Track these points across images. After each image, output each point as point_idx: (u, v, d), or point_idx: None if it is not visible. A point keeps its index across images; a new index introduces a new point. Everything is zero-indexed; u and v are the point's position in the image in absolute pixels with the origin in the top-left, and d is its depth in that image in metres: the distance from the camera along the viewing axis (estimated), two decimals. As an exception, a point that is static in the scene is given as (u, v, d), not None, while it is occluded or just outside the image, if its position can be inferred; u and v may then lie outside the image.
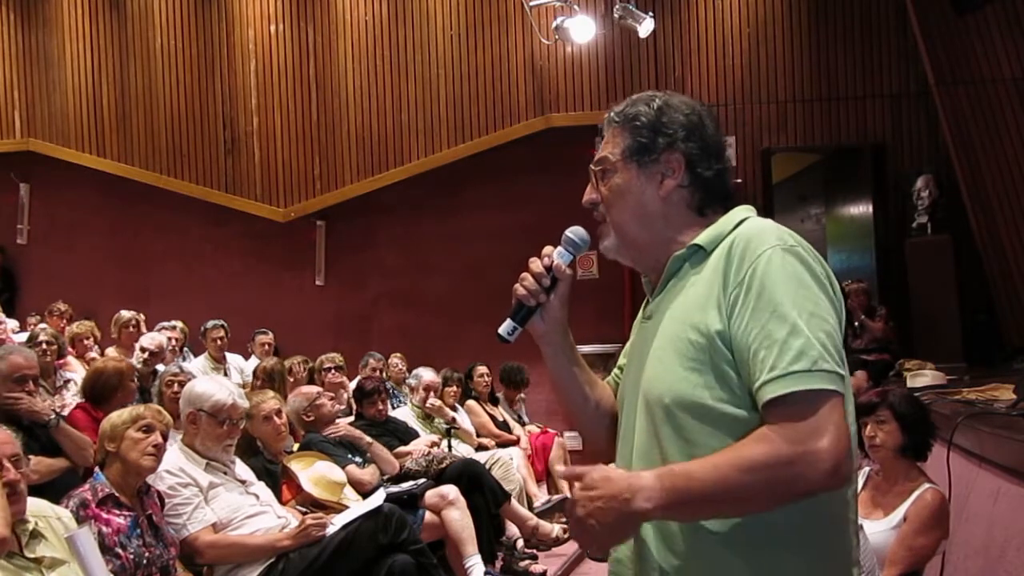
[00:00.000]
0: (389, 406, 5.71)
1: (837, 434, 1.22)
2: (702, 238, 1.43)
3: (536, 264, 1.54)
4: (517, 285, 1.54)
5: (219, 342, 6.90)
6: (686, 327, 1.37)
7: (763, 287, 1.29)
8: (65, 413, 4.28)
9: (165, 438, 3.17)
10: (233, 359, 7.14)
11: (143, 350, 5.48)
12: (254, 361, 7.26)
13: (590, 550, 1.39)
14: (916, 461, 3.05)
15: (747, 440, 1.26)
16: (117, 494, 2.98)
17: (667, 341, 1.40)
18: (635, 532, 1.33)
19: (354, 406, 5.65)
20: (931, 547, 2.92)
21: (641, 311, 1.58)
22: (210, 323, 6.95)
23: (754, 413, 1.30)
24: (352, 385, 6.17)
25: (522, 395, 7.51)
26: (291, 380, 5.91)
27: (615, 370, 1.68)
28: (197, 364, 6.69)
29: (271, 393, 4.27)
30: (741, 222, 1.43)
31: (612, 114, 1.55)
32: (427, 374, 6.13)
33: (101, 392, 4.19)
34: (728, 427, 1.32)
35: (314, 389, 4.89)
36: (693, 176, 1.47)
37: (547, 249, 1.57)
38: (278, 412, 4.05)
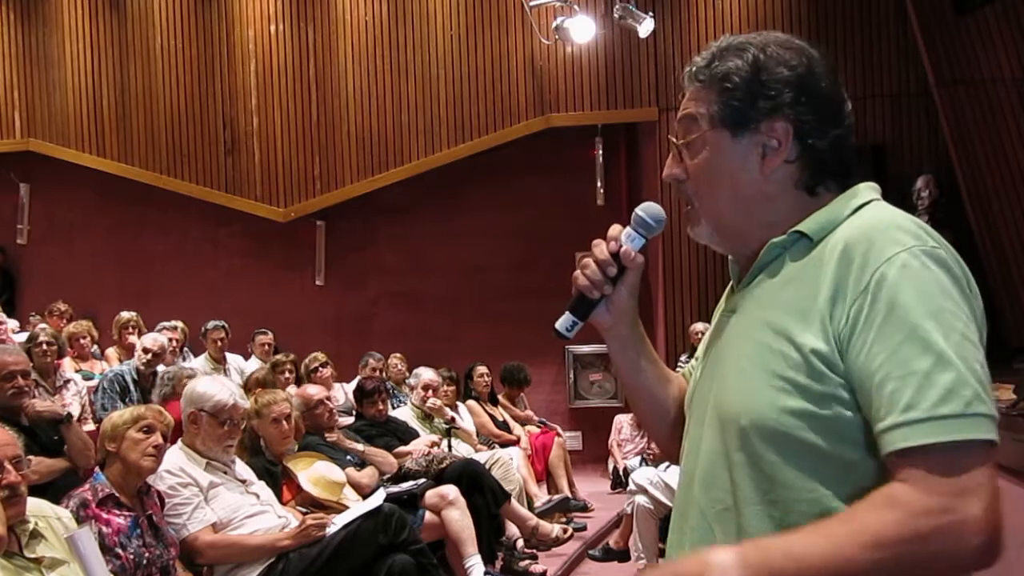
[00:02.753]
0: (389, 406, 5.71)
1: (992, 499, 0.95)
2: (808, 224, 1.15)
3: (601, 249, 1.27)
4: (577, 273, 1.29)
5: (219, 343, 6.92)
6: (779, 337, 1.10)
7: (895, 300, 1.01)
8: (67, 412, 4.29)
9: (166, 439, 3.17)
10: (233, 359, 7.15)
11: (145, 351, 5.48)
12: (254, 361, 7.28)
13: None
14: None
15: (870, 504, 0.98)
16: (117, 494, 2.98)
17: (752, 349, 1.13)
18: None
19: (353, 405, 5.67)
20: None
21: (724, 299, 1.32)
22: (211, 324, 6.97)
23: (864, 456, 1.05)
24: (352, 385, 6.19)
25: (523, 397, 7.53)
26: (282, 378, 5.94)
27: (692, 361, 1.41)
28: (197, 364, 6.69)
29: (283, 395, 4.26)
30: (861, 207, 1.14)
31: (694, 69, 1.22)
32: (426, 373, 6.14)
33: None
34: (821, 469, 1.06)
35: (315, 395, 4.84)
36: (803, 148, 1.17)
37: (614, 231, 1.29)
38: (287, 416, 4.06)
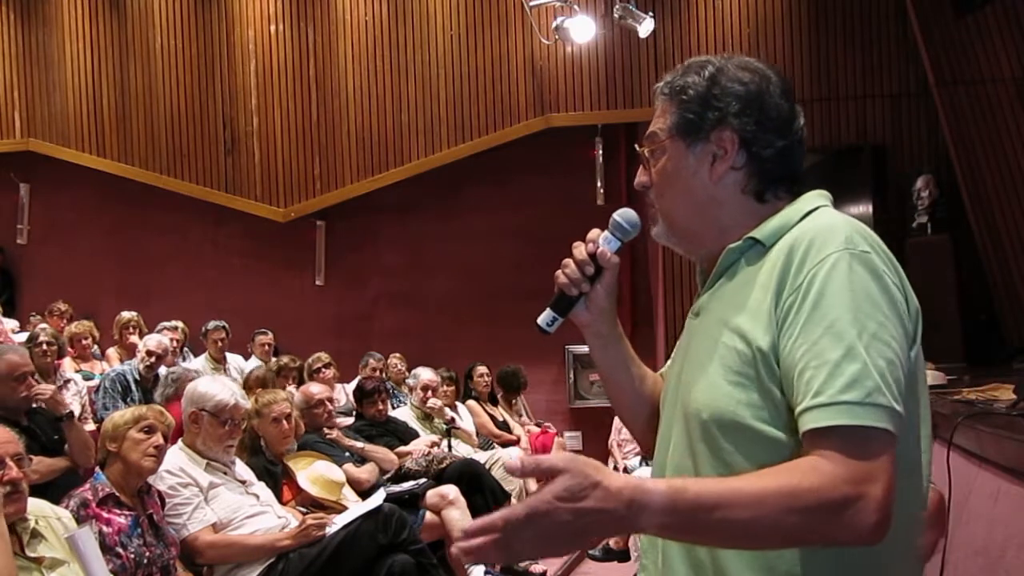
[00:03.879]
0: (389, 406, 5.72)
1: (887, 483, 1.05)
2: (760, 231, 1.25)
3: (580, 250, 1.40)
4: (559, 272, 1.41)
5: (220, 343, 6.92)
6: (733, 334, 1.20)
7: (821, 297, 1.11)
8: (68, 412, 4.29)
9: (167, 439, 3.18)
10: (233, 359, 7.15)
11: (149, 354, 5.47)
12: (254, 361, 7.28)
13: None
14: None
15: (795, 467, 1.07)
16: (118, 494, 2.98)
17: (711, 347, 1.23)
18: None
19: (353, 405, 5.67)
20: (929, 546, 2.92)
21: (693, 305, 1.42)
22: (211, 324, 6.97)
23: (796, 438, 1.13)
24: (352, 385, 6.19)
25: (521, 398, 7.52)
26: (287, 382, 5.94)
27: (668, 362, 1.51)
28: (197, 364, 6.69)
29: (283, 395, 4.27)
30: (809, 213, 1.24)
31: (662, 84, 1.36)
32: (425, 373, 6.15)
33: None
34: (770, 452, 1.14)
35: (316, 394, 4.83)
36: (749, 156, 1.28)
37: (593, 233, 1.41)
38: (288, 416, 4.06)
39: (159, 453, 3.09)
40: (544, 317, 1.41)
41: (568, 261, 1.40)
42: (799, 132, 1.31)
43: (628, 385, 1.49)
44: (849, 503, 1.03)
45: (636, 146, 1.39)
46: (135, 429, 3.06)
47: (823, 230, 1.17)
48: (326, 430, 4.70)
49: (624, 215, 1.41)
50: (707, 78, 1.30)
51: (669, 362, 1.45)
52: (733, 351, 1.19)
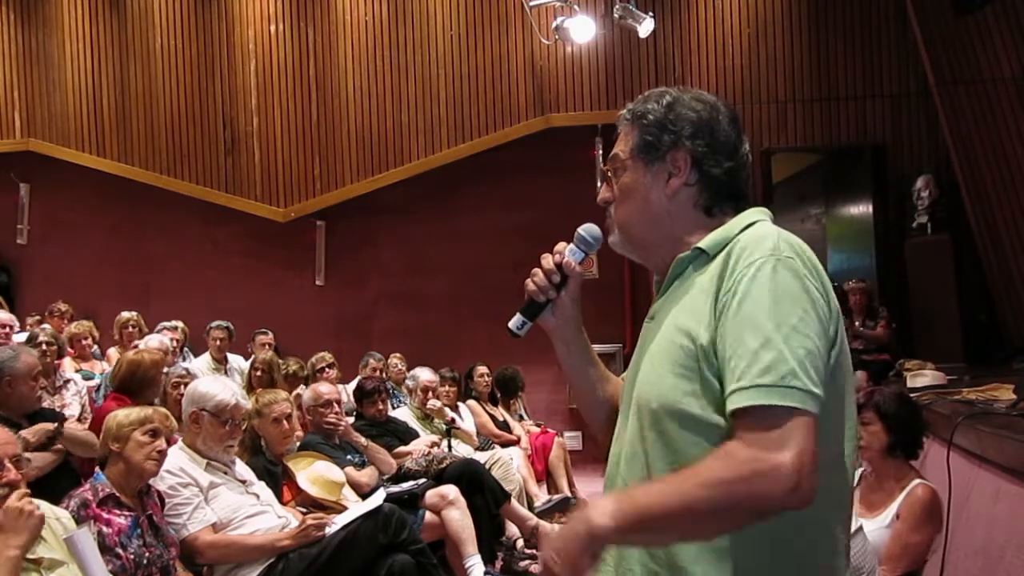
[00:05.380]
0: (389, 406, 5.71)
1: (799, 451, 1.17)
2: (706, 241, 1.41)
3: (547, 260, 1.55)
4: (528, 280, 1.55)
5: (219, 342, 6.92)
6: (679, 332, 1.34)
7: (746, 297, 1.26)
8: (66, 412, 4.30)
9: (169, 442, 3.17)
10: (234, 359, 7.14)
11: None
12: (254, 361, 7.27)
13: None
14: (908, 459, 3.06)
15: (709, 456, 1.23)
16: (118, 494, 2.97)
17: (661, 345, 1.38)
18: (599, 555, 1.27)
19: (354, 405, 5.66)
20: (926, 543, 2.93)
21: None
22: (215, 323, 6.97)
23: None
24: (352, 385, 6.18)
25: (520, 396, 7.51)
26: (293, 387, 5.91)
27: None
28: (200, 363, 6.70)
29: (284, 395, 4.26)
30: (749, 226, 1.39)
31: (624, 111, 1.52)
32: (424, 374, 6.14)
33: (138, 385, 4.21)
34: (713, 437, 1.28)
35: (325, 393, 4.77)
36: (700, 174, 1.44)
37: (560, 246, 1.56)
38: (288, 416, 4.06)
39: (161, 457, 3.09)
40: (514, 321, 1.54)
41: (536, 270, 1.55)
42: (744, 156, 1.48)
43: (589, 387, 1.64)
44: (759, 473, 1.17)
45: (601, 166, 1.53)
46: (140, 431, 3.04)
47: (755, 239, 1.32)
48: (330, 429, 4.68)
49: (588, 230, 1.55)
50: (665, 106, 1.46)
51: (630, 363, 1.54)
52: (679, 347, 1.33)
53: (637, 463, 1.38)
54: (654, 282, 1.55)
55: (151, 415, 3.12)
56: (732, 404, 1.22)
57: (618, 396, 1.58)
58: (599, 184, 8.57)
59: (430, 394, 6.02)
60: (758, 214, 1.44)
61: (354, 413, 5.60)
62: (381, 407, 5.41)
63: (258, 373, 5.74)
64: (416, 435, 5.58)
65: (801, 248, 1.32)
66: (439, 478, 4.66)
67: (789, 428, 1.18)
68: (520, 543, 5.05)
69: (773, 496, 1.17)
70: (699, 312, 1.33)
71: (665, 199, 1.45)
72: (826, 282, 1.31)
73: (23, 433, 3.56)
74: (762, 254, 1.29)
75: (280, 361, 6.06)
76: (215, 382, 3.71)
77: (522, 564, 4.93)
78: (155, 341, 5.62)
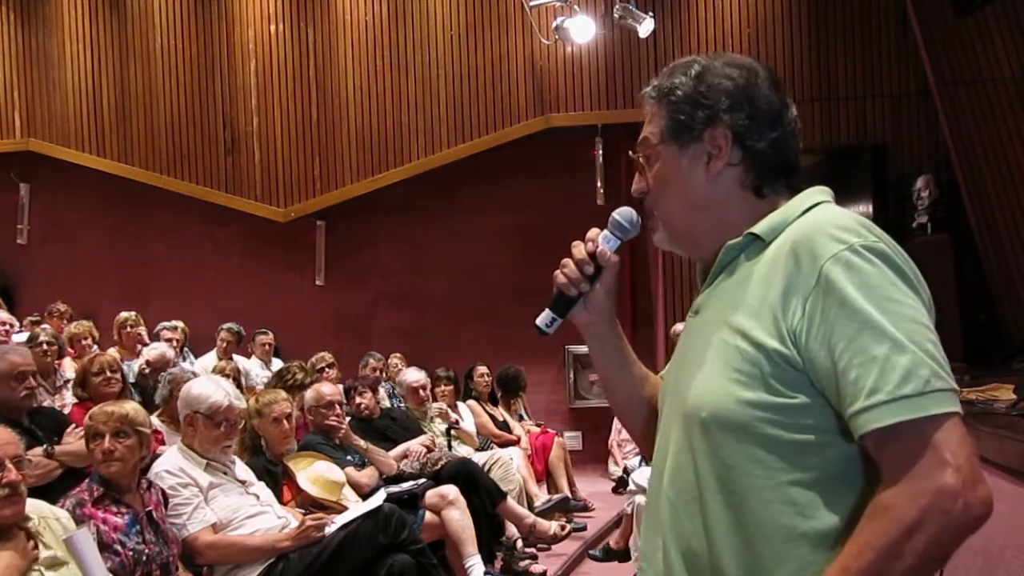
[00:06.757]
0: (390, 404, 5.69)
1: (958, 460, 1.02)
2: (761, 226, 1.22)
3: (579, 249, 1.37)
4: (557, 272, 1.38)
5: (225, 344, 6.97)
6: (734, 333, 1.17)
7: (845, 295, 1.08)
8: (65, 412, 4.29)
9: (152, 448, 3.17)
10: (239, 361, 7.13)
11: (148, 364, 5.45)
12: (255, 361, 7.28)
13: None
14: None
15: (864, 523, 1.05)
16: (114, 492, 2.97)
17: (712, 345, 1.20)
18: None
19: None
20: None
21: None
22: (224, 326, 7.15)
23: (818, 439, 1.12)
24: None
25: (521, 396, 7.51)
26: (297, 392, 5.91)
27: (669, 363, 1.47)
28: (206, 361, 6.70)
29: (283, 395, 4.24)
30: (810, 208, 1.21)
31: (649, 88, 1.34)
32: (410, 375, 6.04)
33: (93, 388, 4.21)
34: (774, 454, 1.13)
35: (328, 395, 4.75)
36: (744, 151, 1.25)
37: (592, 232, 1.39)
38: (288, 416, 4.05)
39: (110, 457, 3.02)
40: (543, 318, 1.39)
41: (567, 261, 1.38)
42: (792, 123, 1.29)
43: (627, 387, 1.47)
44: (927, 516, 1.02)
45: (630, 153, 1.37)
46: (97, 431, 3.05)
47: (828, 225, 1.14)
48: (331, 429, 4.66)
49: (623, 214, 1.38)
50: (694, 77, 1.28)
51: (670, 363, 1.40)
52: (733, 348, 1.16)
53: (685, 480, 1.22)
54: (697, 272, 1.39)
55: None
56: (870, 423, 1.05)
57: (655, 397, 1.42)
58: (599, 184, 8.58)
59: (420, 393, 5.94)
60: (820, 194, 1.25)
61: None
62: (360, 401, 5.24)
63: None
64: (417, 428, 5.55)
65: (880, 230, 1.16)
66: (435, 478, 4.66)
67: (944, 440, 1.03)
68: (520, 543, 5.04)
69: (956, 524, 1.03)
70: (758, 309, 1.15)
71: (707, 184, 1.27)
72: (916, 268, 1.16)
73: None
74: (846, 241, 1.11)
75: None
76: (208, 383, 3.66)
77: (522, 564, 4.92)
78: (155, 353, 5.55)
